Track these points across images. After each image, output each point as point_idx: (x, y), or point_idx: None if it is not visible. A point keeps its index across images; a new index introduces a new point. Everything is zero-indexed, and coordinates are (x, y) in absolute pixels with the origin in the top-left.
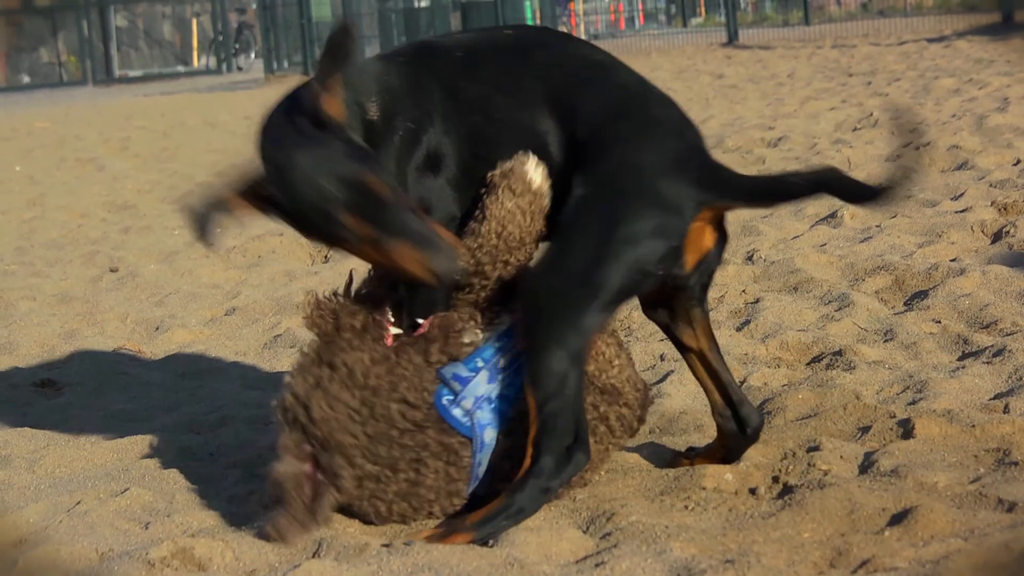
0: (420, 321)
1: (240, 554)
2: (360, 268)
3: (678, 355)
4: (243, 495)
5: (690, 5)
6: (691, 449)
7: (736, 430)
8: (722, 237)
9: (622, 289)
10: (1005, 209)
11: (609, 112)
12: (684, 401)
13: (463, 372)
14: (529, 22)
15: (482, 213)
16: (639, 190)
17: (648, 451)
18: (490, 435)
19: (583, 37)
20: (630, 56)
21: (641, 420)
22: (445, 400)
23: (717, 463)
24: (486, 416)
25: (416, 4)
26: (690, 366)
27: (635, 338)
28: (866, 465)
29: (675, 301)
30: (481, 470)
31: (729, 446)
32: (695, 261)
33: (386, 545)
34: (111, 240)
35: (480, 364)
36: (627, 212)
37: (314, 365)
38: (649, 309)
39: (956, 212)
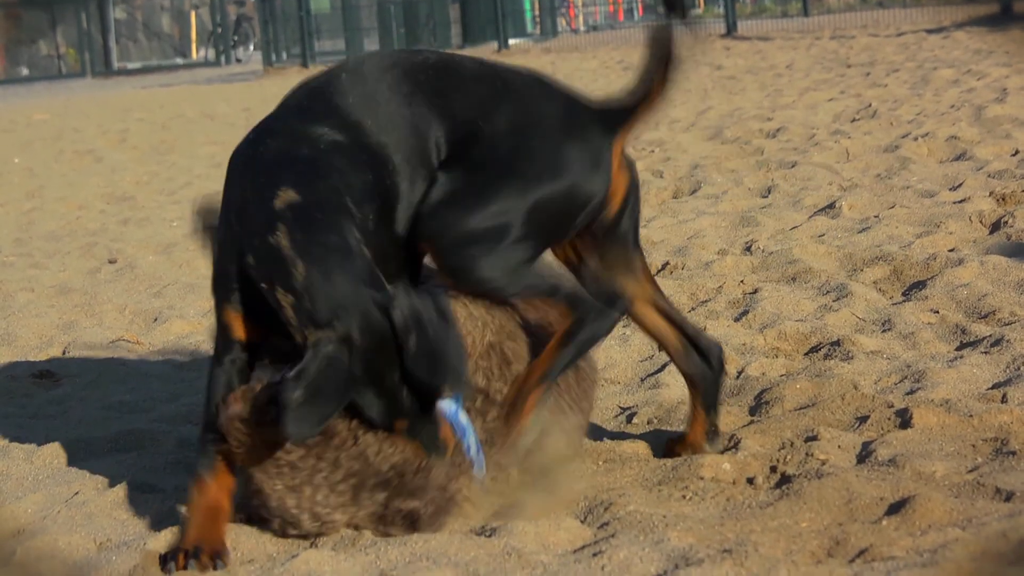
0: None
1: (238, 544)
2: None
3: None
4: (241, 485)
5: None
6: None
7: (703, 367)
8: (631, 170)
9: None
10: (1003, 199)
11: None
12: (682, 391)
13: None
14: (528, 15)
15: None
16: (556, 131)
17: (646, 441)
18: (463, 417)
19: (582, 29)
20: (629, 47)
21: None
22: None
23: (701, 435)
24: (447, 404)
25: None
26: (638, 319)
27: (633, 328)
28: (864, 455)
29: (610, 251)
30: (475, 452)
31: (703, 390)
32: (620, 201)
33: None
34: (110, 232)
35: None
36: (555, 148)
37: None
38: (584, 266)
39: (955, 202)
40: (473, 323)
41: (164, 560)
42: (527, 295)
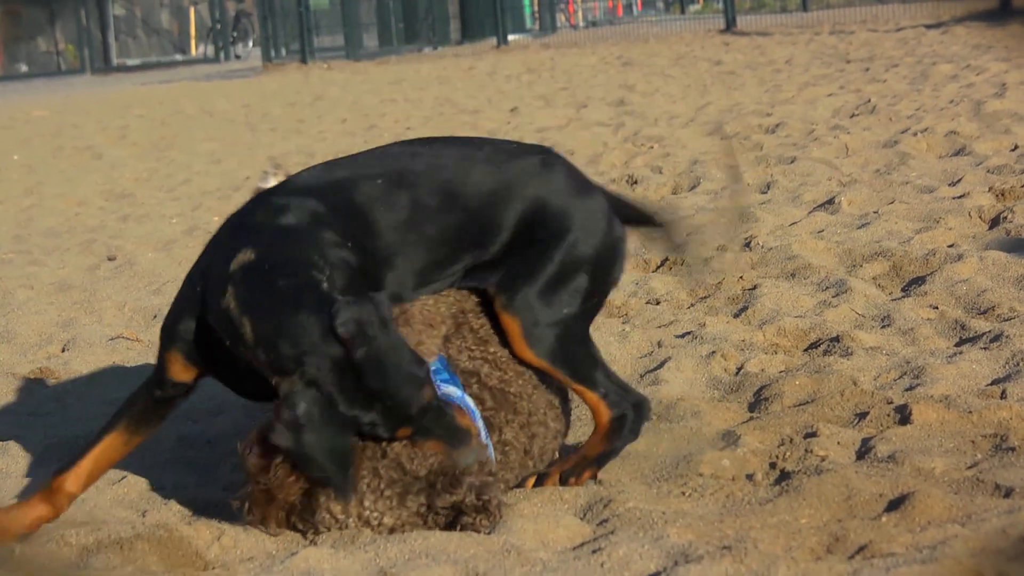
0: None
1: (238, 542)
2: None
3: (675, 342)
4: (240, 483)
5: None
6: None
7: None
8: None
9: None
10: (1003, 195)
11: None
12: (681, 388)
13: None
14: (527, 10)
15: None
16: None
17: (645, 438)
18: (470, 399)
19: (581, 25)
20: (628, 43)
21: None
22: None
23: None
24: (453, 390)
25: None
26: None
27: (632, 325)
28: (863, 451)
29: None
30: (484, 430)
31: None
32: None
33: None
34: (109, 228)
35: None
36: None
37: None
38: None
39: (954, 198)
40: (434, 300)
41: None
42: (581, 378)
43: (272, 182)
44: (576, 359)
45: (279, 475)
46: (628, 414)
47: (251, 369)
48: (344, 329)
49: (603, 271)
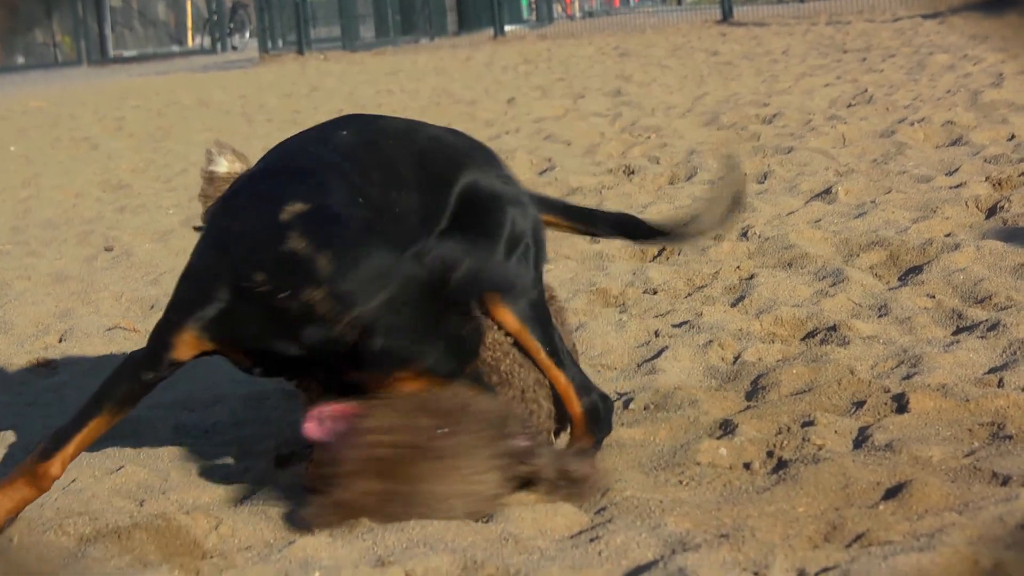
0: None
1: (236, 531)
2: None
3: (672, 331)
4: (239, 472)
5: None
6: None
7: None
8: None
9: None
10: (1000, 184)
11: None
12: (678, 377)
13: None
14: (524, 1)
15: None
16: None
17: (643, 427)
18: None
19: (578, 16)
20: (625, 33)
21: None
22: None
23: None
24: None
25: None
26: None
27: (629, 315)
28: (860, 440)
29: None
30: None
31: None
32: None
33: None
34: (106, 220)
35: None
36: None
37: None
38: None
39: (951, 187)
40: None
41: None
42: (552, 352)
43: (223, 163)
44: (549, 329)
45: None
46: (599, 405)
47: (291, 326)
48: (435, 257)
49: (542, 244)
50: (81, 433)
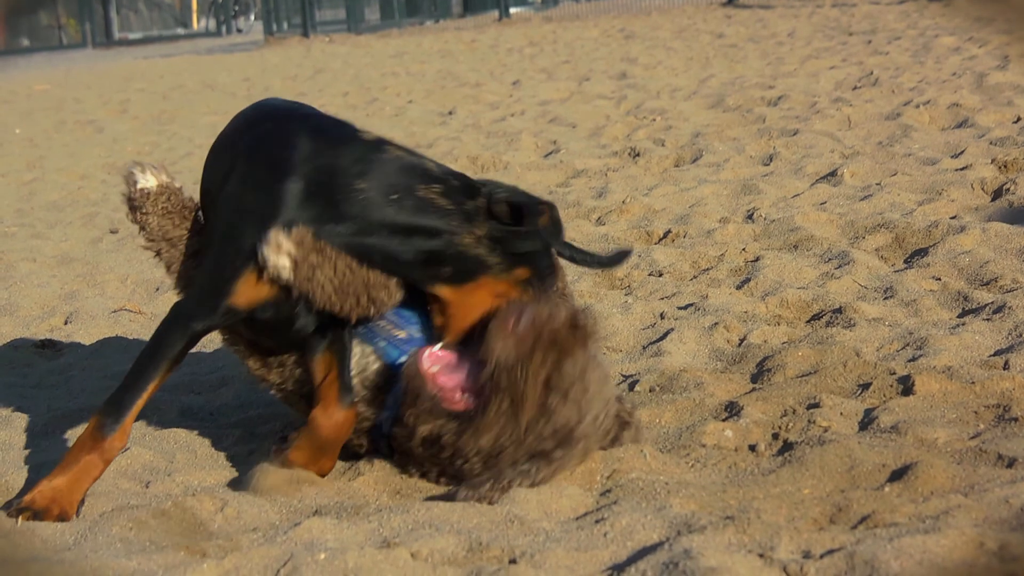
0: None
1: (241, 512)
2: None
3: (678, 314)
4: (243, 454)
5: None
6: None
7: None
8: None
9: None
10: (1005, 166)
11: None
12: (684, 359)
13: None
14: None
15: None
16: None
17: (648, 409)
18: None
19: None
20: (630, 16)
21: None
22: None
23: None
24: None
25: None
26: None
27: (635, 297)
28: (866, 422)
29: None
30: None
31: None
32: None
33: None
34: (111, 202)
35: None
36: None
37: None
38: None
39: (956, 170)
40: None
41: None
42: None
43: (150, 178)
44: None
45: None
46: None
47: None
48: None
49: None
50: (140, 400)
